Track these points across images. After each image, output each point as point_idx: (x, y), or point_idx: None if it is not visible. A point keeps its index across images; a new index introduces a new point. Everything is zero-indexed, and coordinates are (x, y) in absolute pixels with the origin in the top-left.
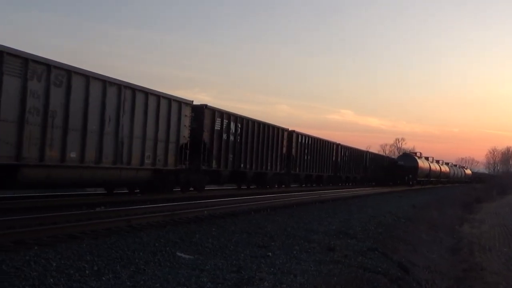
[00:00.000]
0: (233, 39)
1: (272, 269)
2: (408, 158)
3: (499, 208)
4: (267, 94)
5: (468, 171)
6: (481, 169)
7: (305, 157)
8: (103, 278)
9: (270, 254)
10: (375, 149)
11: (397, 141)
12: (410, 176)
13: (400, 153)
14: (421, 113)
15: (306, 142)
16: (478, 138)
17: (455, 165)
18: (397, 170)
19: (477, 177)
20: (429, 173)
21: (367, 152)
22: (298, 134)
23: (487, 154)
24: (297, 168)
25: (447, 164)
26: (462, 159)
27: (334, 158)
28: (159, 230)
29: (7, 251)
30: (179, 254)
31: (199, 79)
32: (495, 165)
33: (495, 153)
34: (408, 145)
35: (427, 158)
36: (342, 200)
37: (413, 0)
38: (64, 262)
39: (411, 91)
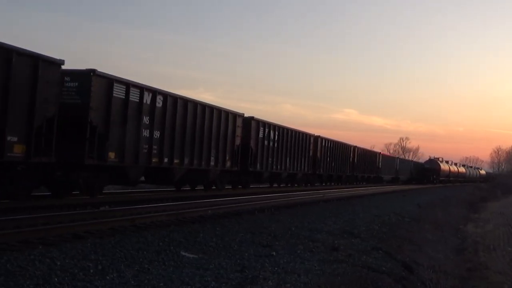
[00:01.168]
0: (237, 39)
1: (276, 268)
2: (433, 162)
3: (504, 208)
4: (271, 93)
5: (483, 172)
6: (485, 168)
7: (328, 159)
8: (107, 277)
9: (274, 253)
10: (379, 148)
11: (402, 140)
12: (434, 176)
13: (404, 153)
14: (425, 113)
15: (328, 145)
16: (483, 138)
17: (471, 167)
18: (424, 171)
19: (490, 177)
20: (449, 174)
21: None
22: (322, 139)
23: (491, 153)
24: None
25: (463, 166)
26: (467, 158)
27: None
28: (163, 230)
29: (12, 250)
30: (183, 253)
31: (203, 79)
32: (500, 164)
33: (499, 152)
34: (412, 144)
35: (447, 162)
36: (346, 199)
37: (419, 0)
38: (68, 261)
39: (415, 90)
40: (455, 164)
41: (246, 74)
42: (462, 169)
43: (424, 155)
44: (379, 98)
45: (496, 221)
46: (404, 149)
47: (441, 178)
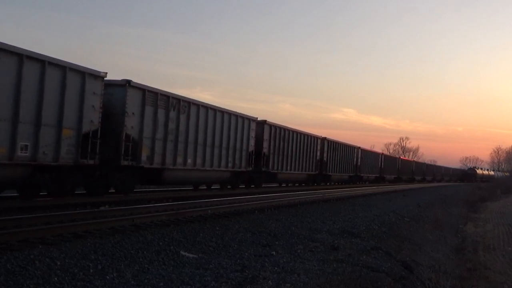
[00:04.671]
0: (236, 38)
1: (276, 268)
2: (472, 169)
3: (504, 208)
4: (270, 93)
5: (507, 174)
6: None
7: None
8: (107, 277)
9: (274, 253)
10: (379, 148)
11: (401, 140)
12: (473, 177)
13: (404, 153)
14: (425, 112)
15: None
16: (482, 137)
17: (499, 171)
18: (466, 175)
19: None
20: (483, 176)
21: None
22: (363, 150)
23: (491, 153)
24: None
25: (493, 170)
26: (467, 158)
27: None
28: (163, 229)
29: (12, 250)
30: (183, 253)
31: (201, 78)
32: (500, 164)
33: (499, 152)
34: (412, 144)
35: (481, 168)
36: (346, 199)
37: (418, 0)
38: (68, 261)
39: (414, 90)
40: (487, 170)
41: (245, 73)
42: (491, 173)
43: (424, 155)
44: (378, 98)
45: (496, 220)
46: (404, 149)
47: (477, 179)
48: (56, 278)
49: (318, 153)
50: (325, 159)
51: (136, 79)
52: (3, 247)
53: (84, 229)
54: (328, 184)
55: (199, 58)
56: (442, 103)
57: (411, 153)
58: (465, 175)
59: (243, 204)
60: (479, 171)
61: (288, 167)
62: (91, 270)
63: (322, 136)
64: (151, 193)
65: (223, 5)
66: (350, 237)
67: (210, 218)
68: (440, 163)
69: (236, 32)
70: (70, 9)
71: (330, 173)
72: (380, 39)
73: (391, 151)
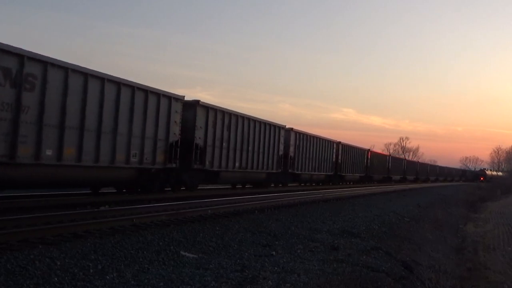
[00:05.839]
0: (236, 38)
1: (276, 268)
2: (482, 171)
3: (504, 208)
4: (269, 92)
5: None
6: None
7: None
8: (107, 277)
9: (274, 253)
10: (379, 148)
11: (401, 140)
12: (483, 178)
13: (404, 153)
14: (424, 112)
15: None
16: (482, 137)
17: (507, 172)
18: (476, 175)
19: None
20: (492, 177)
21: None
22: (392, 157)
23: (491, 153)
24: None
25: (502, 171)
26: (467, 158)
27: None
28: (163, 229)
29: (12, 250)
30: (183, 253)
31: (201, 78)
32: (500, 164)
33: (499, 152)
34: (412, 144)
35: (491, 170)
36: (345, 199)
37: (418, 0)
38: (68, 261)
39: (414, 90)
40: (496, 171)
41: (245, 73)
42: (500, 174)
43: (424, 155)
44: (378, 98)
45: (496, 220)
46: (404, 149)
47: (487, 179)
48: (56, 278)
49: (334, 156)
50: (339, 161)
51: (136, 79)
52: (3, 247)
53: (84, 229)
54: (341, 183)
55: (199, 58)
56: (442, 103)
57: (411, 153)
58: (476, 176)
59: (243, 204)
60: (488, 172)
61: (310, 168)
62: (91, 270)
63: (337, 140)
64: (152, 193)
65: (223, 5)
66: (350, 237)
67: (210, 218)
68: (440, 163)
69: (236, 32)
70: (70, 9)
71: (344, 174)
72: (380, 39)
73: (391, 151)
